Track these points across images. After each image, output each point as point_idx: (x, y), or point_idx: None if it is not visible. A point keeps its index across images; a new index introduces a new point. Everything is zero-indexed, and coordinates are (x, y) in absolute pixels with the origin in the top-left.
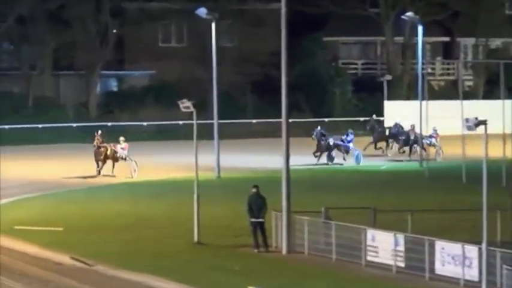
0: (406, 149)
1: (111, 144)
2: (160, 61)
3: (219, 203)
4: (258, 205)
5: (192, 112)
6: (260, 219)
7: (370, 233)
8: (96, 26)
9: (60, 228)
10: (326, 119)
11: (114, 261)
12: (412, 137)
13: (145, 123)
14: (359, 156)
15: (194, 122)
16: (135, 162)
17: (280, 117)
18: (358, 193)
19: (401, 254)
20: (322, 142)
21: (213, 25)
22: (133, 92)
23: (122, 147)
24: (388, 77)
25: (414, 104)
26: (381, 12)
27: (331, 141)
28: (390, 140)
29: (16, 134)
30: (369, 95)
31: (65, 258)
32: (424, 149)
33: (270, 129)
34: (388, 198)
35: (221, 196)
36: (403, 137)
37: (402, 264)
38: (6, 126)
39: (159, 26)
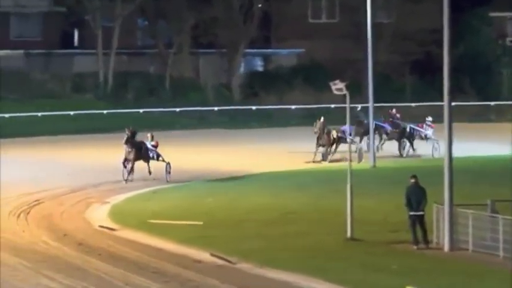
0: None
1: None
2: (309, 39)
3: (373, 194)
4: (417, 197)
5: (345, 95)
6: (419, 213)
7: None
8: (239, 1)
9: (199, 222)
10: (492, 103)
11: (258, 258)
12: (407, 130)
13: (293, 107)
14: (361, 151)
15: (347, 105)
16: (169, 164)
17: (442, 100)
18: None
19: None
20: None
21: None
22: (280, 73)
23: (152, 144)
24: None
25: None
26: None
27: (333, 134)
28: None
29: (152, 119)
30: None
31: (204, 255)
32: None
33: (430, 113)
34: None
35: (376, 187)
36: (399, 130)
37: None
38: (141, 110)
39: (309, 0)
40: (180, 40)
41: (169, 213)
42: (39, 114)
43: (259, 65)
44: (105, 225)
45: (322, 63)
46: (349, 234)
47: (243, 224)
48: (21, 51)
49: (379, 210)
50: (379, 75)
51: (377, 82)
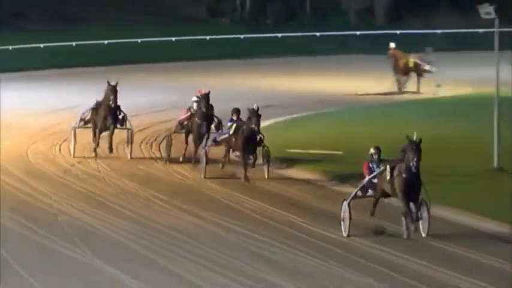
0: None
1: None
2: None
3: None
4: None
5: (493, 19)
6: None
7: None
8: None
9: (339, 152)
10: None
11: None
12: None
13: (439, 31)
14: None
15: (495, 30)
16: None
17: None
18: None
19: None
20: None
21: None
22: None
23: None
24: None
25: None
26: None
27: None
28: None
29: (290, 44)
30: None
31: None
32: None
33: None
34: None
35: None
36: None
37: None
38: (279, 35)
39: None
40: None
41: (308, 142)
42: (173, 39)
43: None
44: None
45: None
46: (495, 164)
47: None
48: None
49: None
50: None
51: None
